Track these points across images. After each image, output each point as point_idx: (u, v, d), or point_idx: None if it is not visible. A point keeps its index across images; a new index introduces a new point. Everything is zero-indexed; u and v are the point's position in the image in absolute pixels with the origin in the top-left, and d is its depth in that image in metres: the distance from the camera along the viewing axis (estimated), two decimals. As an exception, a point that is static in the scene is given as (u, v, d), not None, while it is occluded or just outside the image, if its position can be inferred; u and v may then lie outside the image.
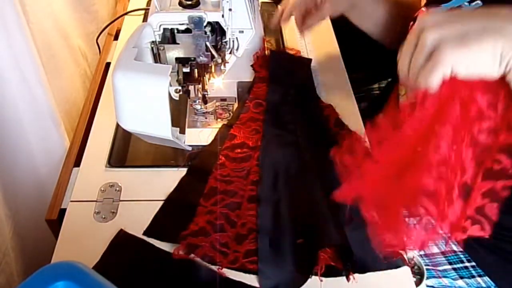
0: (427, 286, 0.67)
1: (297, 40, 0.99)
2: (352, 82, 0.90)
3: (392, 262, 0.62)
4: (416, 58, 0.38)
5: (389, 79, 0.95)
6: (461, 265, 0.68)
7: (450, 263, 0.69)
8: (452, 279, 0.67)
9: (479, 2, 0.63)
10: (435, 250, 0.70)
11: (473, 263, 0.68)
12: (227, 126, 0.78)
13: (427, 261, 0.69)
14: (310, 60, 0.91)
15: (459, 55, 0.36)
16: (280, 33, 1.01)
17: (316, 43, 0.98)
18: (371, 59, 1.23)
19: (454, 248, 0.70)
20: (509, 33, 0.35)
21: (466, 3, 0.65)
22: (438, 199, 0.40)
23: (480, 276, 0.67)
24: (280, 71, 0.87)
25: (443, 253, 0.69)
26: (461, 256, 0.69)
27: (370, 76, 1.03)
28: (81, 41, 1.03)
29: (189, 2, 0.68)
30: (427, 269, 0.67)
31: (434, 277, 0.67)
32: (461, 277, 0.68)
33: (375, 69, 1.07)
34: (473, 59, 0.36)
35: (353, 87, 0.89)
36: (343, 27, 1.21)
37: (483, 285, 0.67)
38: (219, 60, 0.76)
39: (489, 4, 0.61)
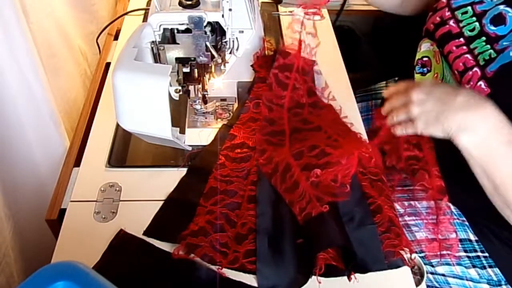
0: (439, 273, 0.68)
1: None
2: (353, 82, 0.90)
3: (392, 262, 0.62)
4: (400, 114, 0.60)
5: (396, 78, 0.95)
6: (474, 254, 0.69)
7: (465, 251, 0.69)
8: (465, 267, 0.68)
9: None
10: (453, 235, 0.70)
11: (486, 254, 0.69)
12: (227, 126, 0.78)
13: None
14: (313, 61, 0.91)
15: (426, 130, 0.58)
16: (280, 33, 1.01)
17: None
18: (372, 59, 1.23)
19: (471, 237, 0.70)
20: (453, 120, 0.55)
21: None
22: None
23: (491, 267, 0.68)
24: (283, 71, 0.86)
25: (460, 240, 0.70)
26: (476, 246, 0.69)
27: (371, 76, 1.03)
28: (81, 41, 1.03)
29: (189, 2, 0.68)
30: (435, 263, 0.68)
31: (448, 264, 0.68)
32: (474, 266, 0.68)
33: (376, 69, 1.07)
34: (432, 133, 0.58)
35: (355, 87, 0.89)
36: (344, 27, 1.21)
37: (494, 278, 0.67)
38: (219, 60, 0.76)
39: None
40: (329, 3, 1.10)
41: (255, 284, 0.60)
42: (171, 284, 0.59)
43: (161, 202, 0.68)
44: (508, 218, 0.57)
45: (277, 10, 1.08)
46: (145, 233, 0.64)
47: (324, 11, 1.07)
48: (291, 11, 1.07)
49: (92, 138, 0.78)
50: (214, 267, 0.61)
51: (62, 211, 0.68)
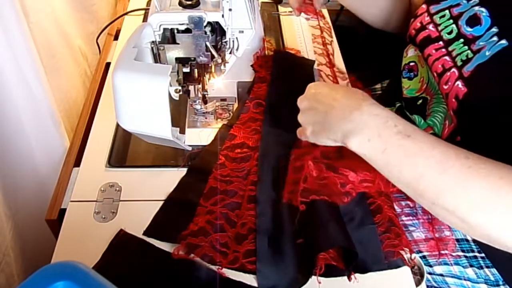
0: (437, 274, 0.68)
1: (297, 40, 0.99)
2: (353, 82, 0.90)
3: (392, 262, 0.62)
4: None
5: (390, 79, 0.96)
6: (471, 254, 0.69)
7: (462, 251, 0.69)
8: (463, 266, 0.68)
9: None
10: (448, 233, 0.70)
11: (483, 255, 0.69)
12: (227, 126, 0.78)
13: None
14: (313, 61, 0.91)
15: (315, 140, 0.60)
16: (280, 33, 1.02)
17: (316, 43, 0.98)
18: (372, 59, 1.23)
19: (468, 237, 0.70)
20: (336, 129, 0.55)
21: (464, 0, 0.66)
22: None
23: (488, 267, 0.68)
24: (282, 71, 0.87)
25: (457, 240, 0.70)
26: (473, 246, 0.70)
27: (371, 76, 1.04)
28: (81, 41, 1.03)
29: (189, 2, 0.68)
30: (434, 261, 0.68)
31: (446, 264, 0.68)
32: (471, 266, 0.68)
33: (376, 69, 1.07)
34: (322, 143, 0.59)
35: (355, 87, 0.89)
36: (344, 27, 1.21)
37: (492, 278, 0.67)
38: (219, 60, 0.76)
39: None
40: (329, 3, 1.10)
41: (255, 284, 0.60)
42: (171, 284, 0.59)
43: (161, 202, 0.68)
44: (445, 219, 0.52)
45: (277, 10, 1.09)
46: (145, 233, 0.64)
47: (324, 11, 1.07)
48: (291, 11, 1.07)
49: (92, 138, 0.78)
50: (214, 267, 0.61)
51: (62, 211, 0.68)
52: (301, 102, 0.61)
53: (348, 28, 1.28)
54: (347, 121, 0.53)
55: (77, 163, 0.74)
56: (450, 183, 0.48)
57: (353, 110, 0.53)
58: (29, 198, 0.79)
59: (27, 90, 0.71)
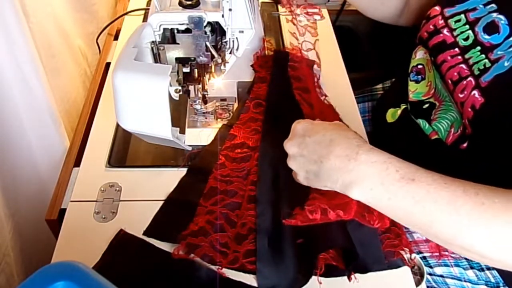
0: (437, 275, 0.68)
1: (296, 40, 0.99)
2: (354, 82, 0.90)
3: (392, 262, 0.62)
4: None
5: (393, 79, 0.96)
6: None
7: None
8: (463, 268, 0.68)
9: (493, 5, 0.63)
10: None
11: None
12: (227, 126, 0.78)
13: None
14: (313, 62, 0.91)
15: (309, 185, 0.57)
16: (280, 33, 1.01)
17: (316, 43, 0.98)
18: (373, 59, 1.23)
19: None
20: (333, 179, 0.52)
21: (481, 5, 0.65)
22: None
23: (489, 269, 0.68)
24: (282, 71, 0.87)
25: None
26: None
27: (372, 76, 1.03)
28: (81, 41, 1.03)
29: (189, 2, 0.68)
30: (434, 262, 0.68)
31: (447, 265, 0.68)
32: (472, 267, 0.68)
33: (377, 69, 1.07)
34: (317, 187, 0.56)
35: (355, 87, 0.89)
36: (344, 27, 1.22)
37: (492, 280, 0.67)
38: (219, 60, 0.76)
39: (503, 6, 0.61)
40: (329, 3, 1.10)
41: (255, 284, 0.60)
42: (171, 284, 0.59)
43: (161, 202, 0.68)
44: (462, 255, 0.52)
45: (277, 10, 1.08)
46: (145, 233, 0.64)
47: (324, 11, 1.07)
48: (291, 11, 1.07)
49: (92, 138, 0.78)
50: (214, 267, 0.61)
51: (62, 211, 0.68)
52: (289, 147, 0.57)
53: (348, 28, 1.28)
54: (344, 171, 0.51)
55: (77, 163, 0.74)
56: (465, 223, 0.46)
57: (350, 159, 0.51)
58: (29, 198, 0.79)
59: (27, 90, 0.71)
